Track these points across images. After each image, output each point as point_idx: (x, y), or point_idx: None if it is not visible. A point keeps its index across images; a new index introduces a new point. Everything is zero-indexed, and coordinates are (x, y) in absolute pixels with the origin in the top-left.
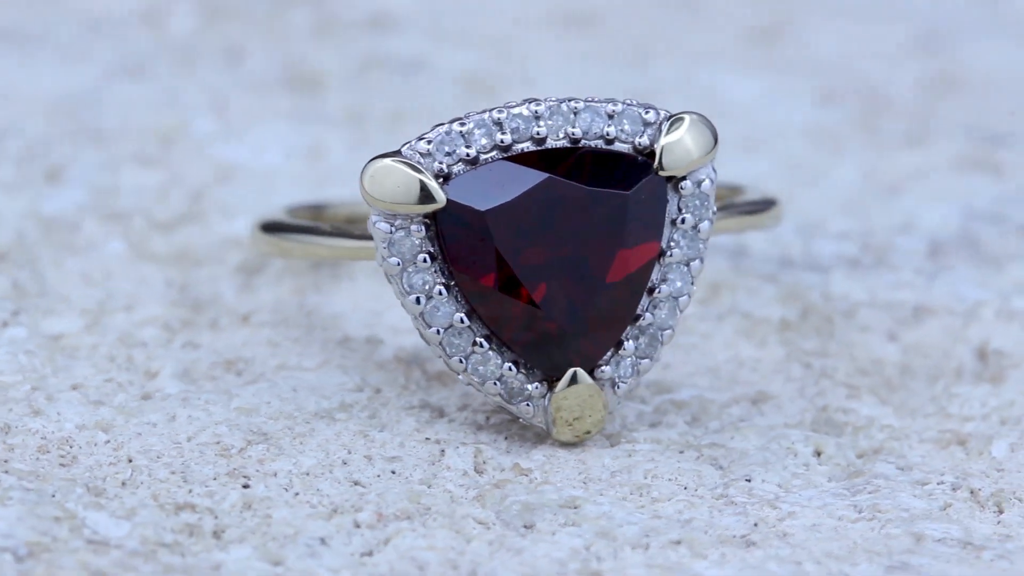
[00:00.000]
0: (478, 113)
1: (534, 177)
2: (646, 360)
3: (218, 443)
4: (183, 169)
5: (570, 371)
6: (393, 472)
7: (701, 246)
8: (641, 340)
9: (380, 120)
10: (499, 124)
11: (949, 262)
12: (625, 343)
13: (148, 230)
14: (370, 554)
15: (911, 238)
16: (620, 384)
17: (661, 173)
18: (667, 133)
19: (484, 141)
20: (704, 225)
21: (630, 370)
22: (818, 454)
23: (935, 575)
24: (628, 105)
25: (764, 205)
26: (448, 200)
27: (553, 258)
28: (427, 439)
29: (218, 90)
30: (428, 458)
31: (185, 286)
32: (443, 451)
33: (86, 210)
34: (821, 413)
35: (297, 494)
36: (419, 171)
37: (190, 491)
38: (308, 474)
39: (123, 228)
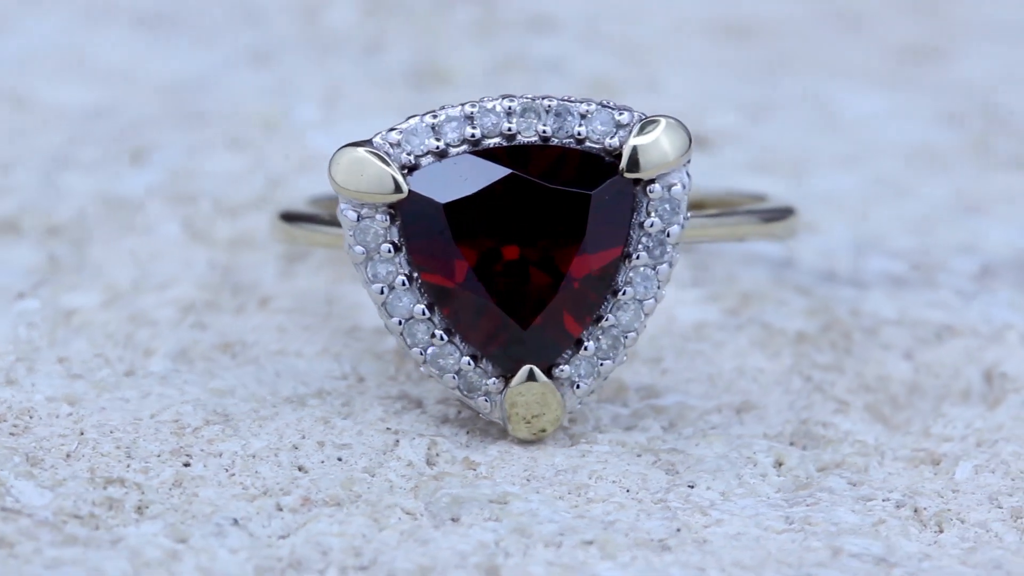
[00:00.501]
0: (453, 106)
1: (497, 172)
2: (608, 362)
3: (176, 421)
4: (271, 156)
5: (524, 368)
6: (339, 459)
7: (670, 250)
8: (603, 341)
9: None
10: (470, 118)
11: (994, 284)
12: (586, 343)
13: (213, 214)
14: (285, 537)
15: (966, 259)
16: (580, 384)
17: (626, 175)
18: (635, 135)
19: (454, 135)
20: (674, 230)
21: (590, 371)
22: (779, 465)
23: None
24: (603, 106)
25: (779, 214)
26: (410, 191)
27: (512, 254)
28: (387, 429)
29: (339, 81)
30: (381, 447)
31: (229, 270)
32: (398, 441)
33: (156, 191)
34: (801, 426)
35: (233, 475)
36: (384, 161)
37: (128, 466)
38: (254, 456)
39: (187, 211)
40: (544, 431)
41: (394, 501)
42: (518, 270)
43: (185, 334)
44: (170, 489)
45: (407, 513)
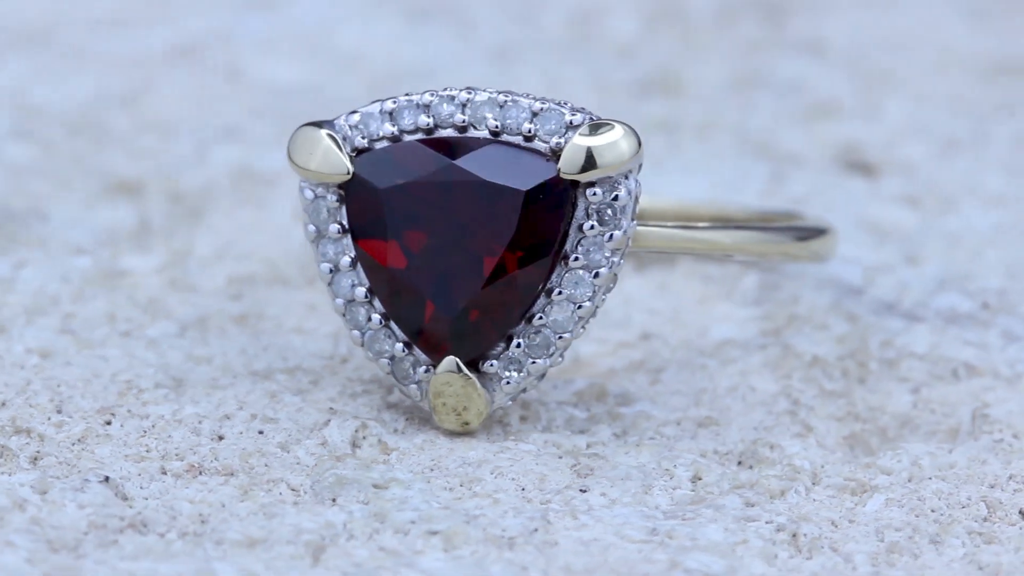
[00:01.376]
0: (415, 94)
1: (437, 162)
2: (540, 361)
3: (128, 382)
4: None
5: (447, 360)
6: (260, 432)
7: (608, 255)
8: (534, 339)
9: (693, 130)
10: (427, 107)
11: None
12: (516, 340)
13: None
14: (155, 499)
15: None
16: (508, 381)
17: (563, 175)
18: (577, 136)
19: (408, 122)
20: (616, 235)
21: (519, 368)
22: (696, 479)
23: None
24: (558, 106)
25: (809, 233)
26: (354, 174)
27: (443, 243)
28: (331, 408)
29: (562, 83)
30: (310, 425)
31: None
32: (329, 421)
33: None
34: (751, 446)
35: (144, 437)
36: (335, 141)
37: (48, 419)
38: (179, 422)
39: None
40: (468, 424)
41: (282, 476)
42: (449, 260)
43: (213, 303)
44: (72, 445)
45: (291, 489)
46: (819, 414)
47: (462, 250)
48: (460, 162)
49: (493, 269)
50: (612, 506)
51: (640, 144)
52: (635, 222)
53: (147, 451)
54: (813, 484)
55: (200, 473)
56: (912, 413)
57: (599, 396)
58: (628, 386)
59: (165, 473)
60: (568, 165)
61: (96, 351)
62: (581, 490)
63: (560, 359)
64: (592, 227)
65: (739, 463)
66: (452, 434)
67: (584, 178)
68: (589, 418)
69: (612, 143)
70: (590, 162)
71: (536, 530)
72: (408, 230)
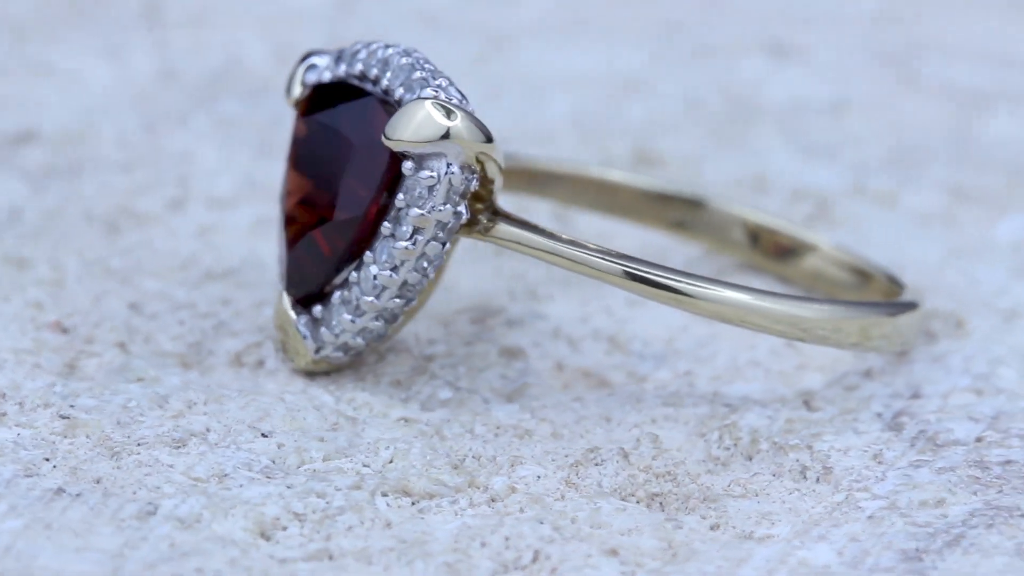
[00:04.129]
0: (375, 43)
1: (340, 110)
2: (356, 319)
3: (187, 266)
4: None
5: (283, 294)
6: (181, 323)
7: (410, 230)
8: (347, 296)
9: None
10: (371, 56)
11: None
12: (333, 293)
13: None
14: None
15: None
16: (328, 329)
17: (384, 138)
18: (403, 106)
19: (352, 66)
20: (422, 213)
21: (339, 320)
22: (389, 463)
23: None
24: (433, 80)
25: (897, 309)
26: (300, 102)
27: (309, 182)
28: (261, 325)
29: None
30: (213, 334)
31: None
32: (236, 334)
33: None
34: (511, 459)
35: (87, 299)
36: (305, 70)
37: (65, 267)
38: (138, 296)
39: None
40: (294, 363)
41: (107, 353)
42: (304, 196)
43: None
44: (37, 282)
45: (100, 365)
46: (635, 463)
47: (311, 192)
48: (339, 111)
49: (317, 218)
50: (252, 452)
51: (483, 140)
52: (450, 208)
53: (71, 307)
54: (490, 504)
55: (63, 332)
56: (720, 492)
57: (512, 393)
58: (545, 394)
59: (33, 321)
60: (388, 130)
61: (245, 243)
62: (263, 435)
63: (377, 322)
64: (400, 199)
65: (499, 472)
66: (314, 374)
67: (394, 147)
68: (443, 401)
69: (427, 120)
70: (400, 131)
71: (170, 446)
72: (298, 161)
